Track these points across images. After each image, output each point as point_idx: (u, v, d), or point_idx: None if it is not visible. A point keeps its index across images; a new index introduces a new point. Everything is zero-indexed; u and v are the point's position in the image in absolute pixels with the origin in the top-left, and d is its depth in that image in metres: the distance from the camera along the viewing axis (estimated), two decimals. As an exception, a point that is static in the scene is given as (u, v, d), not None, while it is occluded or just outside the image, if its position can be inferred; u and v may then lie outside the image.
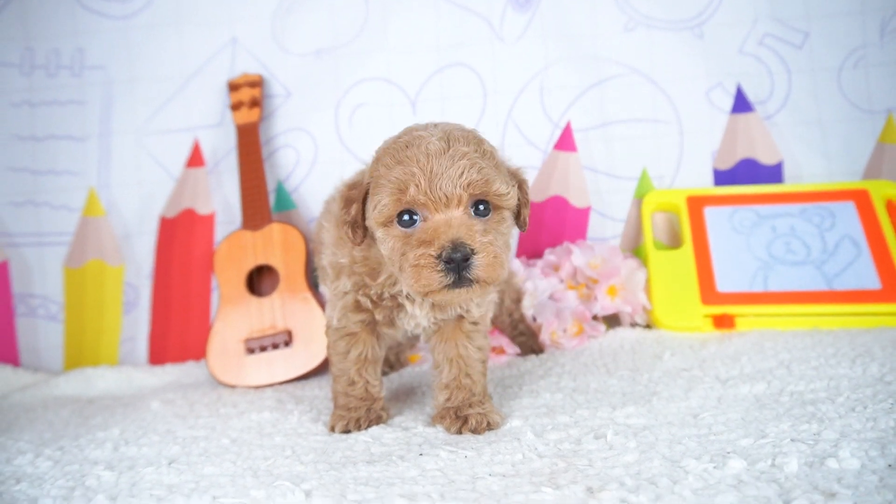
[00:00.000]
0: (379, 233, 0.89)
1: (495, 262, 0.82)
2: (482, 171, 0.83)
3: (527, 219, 0.95)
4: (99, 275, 1.70)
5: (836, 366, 1.06)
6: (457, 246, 0.79)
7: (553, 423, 0.95)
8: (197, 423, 1.12)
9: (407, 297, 0.98)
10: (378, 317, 1.00)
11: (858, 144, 1.60)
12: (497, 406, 1.05)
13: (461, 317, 1.02)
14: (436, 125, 0.90)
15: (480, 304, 1.02)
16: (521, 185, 0.93)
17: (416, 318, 0.99)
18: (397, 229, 0.86)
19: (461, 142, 0.85)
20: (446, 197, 0.82)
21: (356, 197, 0.92)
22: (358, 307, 1.00)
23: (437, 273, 0.80)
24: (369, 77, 1.69)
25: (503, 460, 0.82)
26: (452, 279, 0.80)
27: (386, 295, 0.98)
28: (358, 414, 1.02)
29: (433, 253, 0.80)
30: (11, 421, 1.25)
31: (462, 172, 0.82)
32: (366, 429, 1.00)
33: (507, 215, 0.90)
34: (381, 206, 0.85)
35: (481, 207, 0.85)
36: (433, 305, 0.98)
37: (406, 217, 0.85)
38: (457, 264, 0.80)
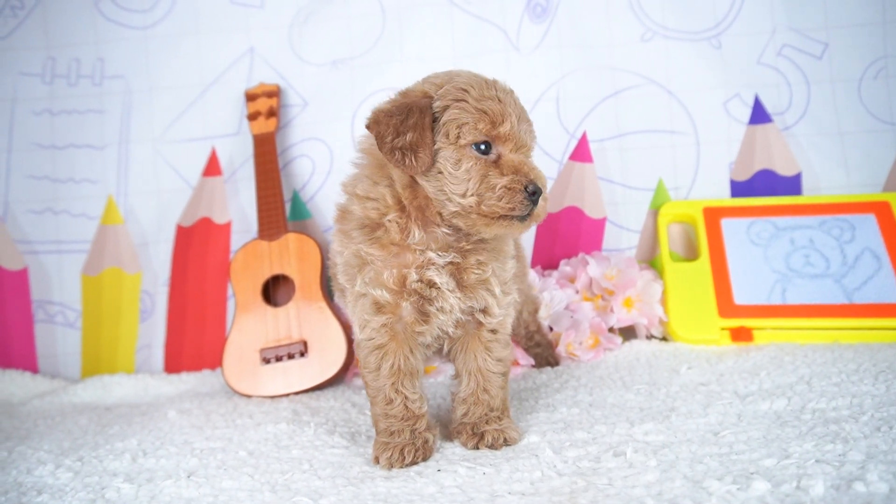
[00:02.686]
0: (454, 155, 0.88)
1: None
2: (533, 132, 0.95)
3: None
4: (116, 282, 1.71)
5: (859, 382, 1.05)
6: (536, 183, 0.89)
7: (571, 440, 0.94)
8: (214, 434, 1.12)
9: (437, 269, 0.93)
10: (407, 309, 0.94)
11: (879, 156, 1.58)
12: (514, 419, 1.04)
13: (480, 323, 0.99)
14: (465, 73, 0.94)
15: (500, 304, 0.98)
16: None
17: (448, 300, 0.94)
18: (473, 152, 0.88)
19: (520, 103, 0.94)
20: (525, 143, 0.92)
21: (416, 125, 0.88)
22: (377, 307, 0.95)
23: (523, 202, 0.88)
24: (386, 87, 1.69)
25: (522, 478, 0.82)
26: (523, 211, 0.88)
27: (414, 279, 0.93)
28: (402, 440, 0.94)
29: (520, 185, 0.88)
30: (30, 428, 1.27)
31: (530, 129, 0.93)
32: (411, 464, 0.92)
33: None
34: (468, 129, 0.88)
35: (529, 146, 0.94)
36: (462, 285, 0.94)
37: (483, 146, 0.89)
38: (534, 197, 0.89)
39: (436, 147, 0.89)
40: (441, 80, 0.92)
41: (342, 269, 0.99)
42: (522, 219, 0.89)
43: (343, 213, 0.99)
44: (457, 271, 0.94)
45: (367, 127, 0.92)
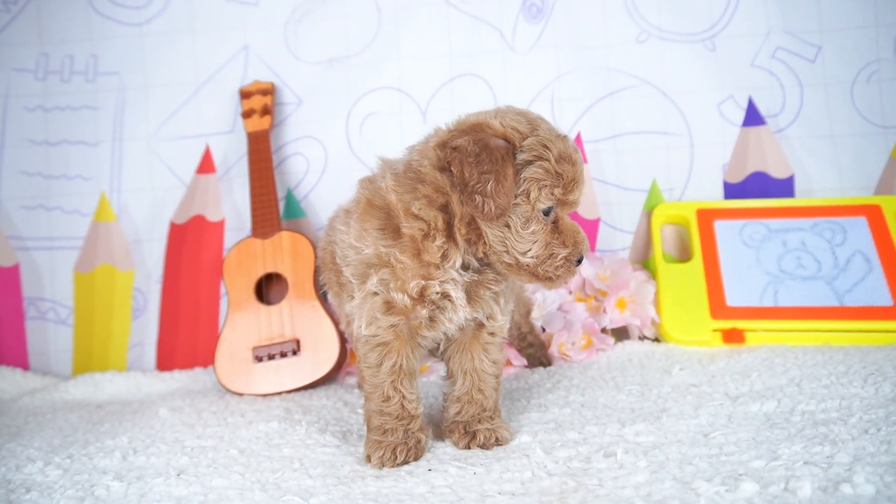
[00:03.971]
0: (526, 213, 0.90)
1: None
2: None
3: None
4: (108, 279, 1.71)
5: (848, 385, 1.05)
6: (584, 254, 0.95)
7: (562, 440, 0.94)
8: (205, 432, 1.12)
9: (454, 284, 0.94)
10: (421, 314, 0.94)
11: (871, 159, 1.59)
12: (505, 419, 1.04)
13: (481, 325, 1.00)
14: (541, 121, 0.93)
15: (503, 312, 1.00)
16: None
17: (459, 311, 0.95)
18: (542, 217, 0.91)
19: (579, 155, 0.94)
20: (576, 204, 0.94)
21: (502, 174, 0.86)
22: (388, 307, 0.94)
23: (572, 270, 0.94)
24: (380, 86, 1.69)
25: (512, 478, 0.82)
26: (573, 272, 0.94)
27: (436, 290, 0.93)
28: (395, 439, 0.94)
29: (573, 257, 0.93)
30: (21, 425, 1.26)
31: (583, 188, 0.95)
32: (403, 463, 0.92)
33: None
34: (546, 193, 0.89)
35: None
36: (471, 299, 0.96)
37: (548, 209, 0.91)
38: (578, 265, 0.95)
39: (508, 201, 0.88)
40: (523, 126, 0.90)
41: (354, 264, 0.97)
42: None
43: (369, 208, 0.95)
44: (471, 287, 0.96)
45: (450, 164, 0.89)
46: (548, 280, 0.92)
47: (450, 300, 0.94)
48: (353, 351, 1.50)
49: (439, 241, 0.92)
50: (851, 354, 1.23)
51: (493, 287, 0.97)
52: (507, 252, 0.91)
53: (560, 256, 0.91)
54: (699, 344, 1.41)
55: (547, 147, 0.89)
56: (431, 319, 0.95)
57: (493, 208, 0.87)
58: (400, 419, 0.95)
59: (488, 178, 0.86)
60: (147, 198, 1.72)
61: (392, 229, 0.93)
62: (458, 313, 0.95)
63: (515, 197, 0.88)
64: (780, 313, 1.41)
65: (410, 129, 1.67)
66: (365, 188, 0.98)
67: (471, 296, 0.95)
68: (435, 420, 1.09)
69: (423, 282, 0.92)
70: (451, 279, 0.93)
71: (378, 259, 0.94)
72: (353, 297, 0.98)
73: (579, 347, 1.41)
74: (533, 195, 0.88)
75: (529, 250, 0.90)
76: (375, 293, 0.94)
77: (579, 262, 0.93)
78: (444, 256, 0.92)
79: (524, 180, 0.88)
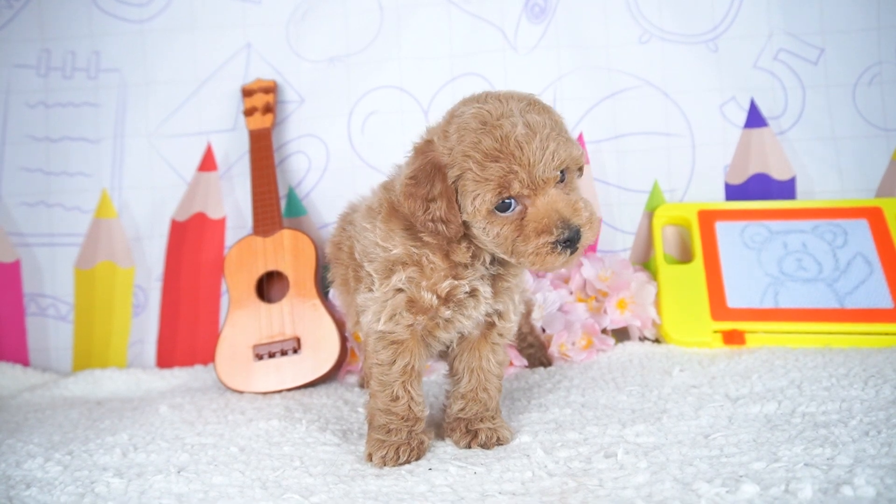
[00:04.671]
0: (480, 224, 0.87)
1: (597, 226, 0.88)
2: (565, 145, 0.86)
3: (584, 168, 0.96)
4: (109, 276, 1.71)
5: (849, 387, 1.05)
6: (570, 227, 0.84)
7: (562, 440, 0.94)
8: (205, 429, 1.12)
9: (481, 279, 0.94)
10: (444, 315, 0.93)
11: (872, 162, 1.59)
12: (506, 419, 1.04)
13: (492, 324, 1.00)
14: (500, 100, 0.87)
15: (515, 311, 1.01)
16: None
17: (481, 307, 0.95)
18: (498, 216, 0.86)
19: (539, 121, 0.85)
20: (543, 182, 0.84)
21: (441, 194, 0.86)
22: (412, 305, 0.93)
23: (559, 256, 0.85)
24: (382, 85, 1.69)
25: (513, 478, 0.82)
26: (568, 253, 0.85)
27: (465, 290, 0.93)
28: (398, 439, 0.93)
29: (552, 241, 0.84)
30: (21, 421, 1.26)
31: (553, 155, 0.84)
32: (405, 463, 0.92)
33: (577, 173, 0.91)
34: (480, 203, 0.85)
35: (560, 174, 0.87)
36: (496, 292, 0.96)
37: (502, 202, 0.85)
38: (572, 241, 0.85)
39: (462, 218, 0.88)
40: (452, 131, 0.87)
41: (379, 261, 0.95)
42: (573, 253, 0.86)
43: (392, 213, 0.95)
44: (494, 280, 0.96)
45: (403, 200, 0.89)
46: (544, 270, 0.89)
47: (475, 297, 0.94)
48: (354, 351, 1.50)
49: (465, 242, 0.92)
50: (852, 357, 1.23)
51: (509, 280, 0.97)
52: (496, 252, 0.91)
53: (528, 254, 0.85)
54: (700, 345, 1.41)
55: (468, 155, 0.84)
56: (448, 321, 0.95)
57: (447, 229, 0.87)
58: (406, 420, 0.95)
59: (433, 202, 0.86)
60: (148, 195, 1.72)
61: (415, 230, 0.93)
62: (481, 308, 0.95)
63: (461, 211, 0.87)
64: (781, 315, 1.41)
65: (412, 127, 1.66)
66: (386, 192, 0.97)
67: (495, 289, 0.96)
68: (436, 420, 1.09)
69: (455, 282, 0.92)
70: (481, 276, 0.94)
71: (409, 258, 0.93)
72: (370, 290, 0.97)
73: (579, 348, 1.41)
74: (469, 207, 0.85)
75: (497, 243, 0.88)
76: (401, 290, 0.93)
77: (570, 241, 0.84)
78: (475, 256, 0.93)
79: (461, 195, 0.86)
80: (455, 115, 0.89)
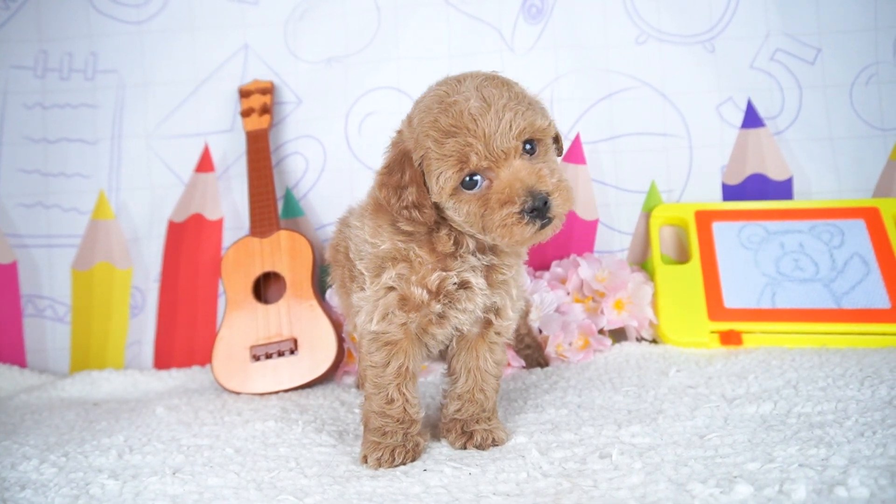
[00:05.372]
0: (449, 204, 0.88)
1: (568, 194, 0.86)
2: (524, 114, 0.85)
3: (562, 143, 0.95)
4: (107, 278, 1.71)
5: (845, 387, 1.05)
6: (534, 195, 0.83)
7: (558, 441, 0.94)
8: (201, 431, 1.12)
9: (473, 270, 0.93)
10: (435, 309, 0.93)
11: (869, 162, 1.59)
12: (502, 420, 1.04)
13: (489, 323, 0.99)
14: (457, 80, 0.89)
15: (514, 308, 0.99)
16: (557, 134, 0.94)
17: (476, 299, 0.94)
18: (465, 194, 0.86)
19: (496, 94, 0.85)
20: (503, 153, 0.84)
21: (411, 180, 0.88)
22: (404, 303, 0.93)
23: (526, 226, 0.84)
24: (380, 86, 1.69)
25: (508, 479, 0.82)
26: (539, 224, 0.84)
27: (453, 281, 0.92)
28: (393, 441, 0.93)
29: (517, 210, 0.83)
30: (17, 423, 1.26)
31: (510, 125, 0.84)
32: (400, 465, 0.91)
33: (549, 143, 0.91)
34: (444, 181, 0.85)
35: (528, 146, 0.87)
36: (490, 284, 0.95)
37: (468, 179, 0.86)
38: (539, 210, 0.83)
39: (433, 200, 0.89)
40: (414, 115, 0.89)
41: (368, 258, 0.96)
42: (541, 230, 0.85)
43: (379, 207, 0.96)
44: (488, 271, 0.95)
45: (379, 191, 0.91)
46: (516, 243, 0.87)
47: (468, 289, 0.93)
48: (351, 352, 1.50)
49: (445, 229, 0.92)
50: (848, 357, 1.23)
51: (504, 272, 0.96)
52: (473, 232, 0.90)
53: (496, 227, 0.84)
54: (696, 345, 1.41)
55: (427, 135, 0.85)
56: (441, 316, 0.94)
57: (420, 215, 0.88)
58: (401, 422, 0.95)
59: (405, 189, 0.88)
60: (146, 196, 1.72)
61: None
62: (477, 301, 0.94)
63: (430, 195, 0.88)
64: (778, 315, 1.41)
65: (409, 128, 1.66)
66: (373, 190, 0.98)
67: (489, 281, 0.95)
68: (431, 421, 1.09)
69: (444, 273, 0.92)
70: (471, 266, 0.93)
71: (396, 253, 0.93)
72: (363, 289, 0.97)
73: (576, 348, 1.41)
74: (435, 188, 0.86)
75: (468, 222, 0.88)
76: (392, 288, 0.93)
77: (538, 210, 0.83)
78: (457, 243, 0.93)
79: (427, 177, 0.87)
80: (417, 101, 0.92)
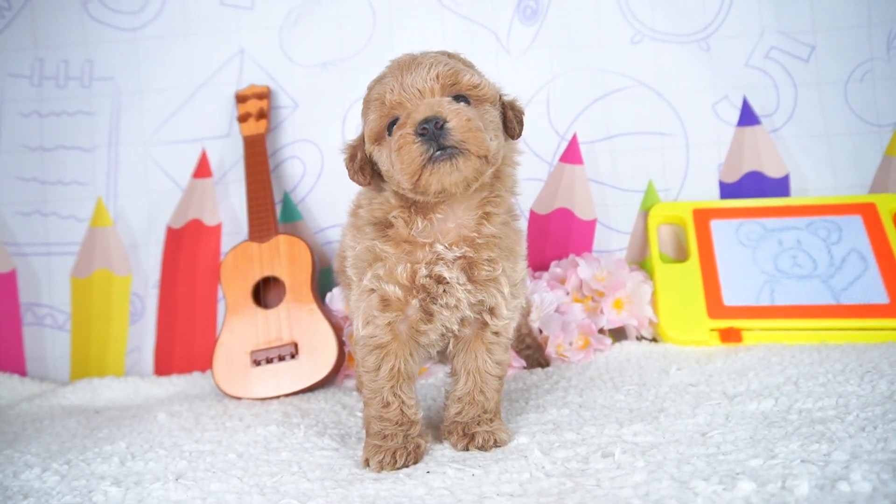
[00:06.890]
0: (376, 153, 0.90)
1: (470, 124, 0.82)
2: (448, 64, 0.87)
3: (515, 125, 0.94)
4: (106, 285, 1.71)
5: (845, 382, 1.06)
6: (428, 118, 0.81)
7: (560, 441, 0.94)
8: (203, 436, 1.12)
9: (446, 264, 0.91)
10: (414, 306, 0.92)
11: (865, 158, 1.60)
12: (504, 421, 1.04)
13: (485, 323, 0.97)
14: (411, 53, 0.93)
15: (508, 306, 0.97)
16: (506, 102, 0.95)
17: (457, 294, 0.92)
18: (387, 140, 0.89)
19: (432, 54, 0.90)
20: (419, 91, 0.85)
21: (359, 143, 0.94)
22: (385, 304, 0.93)
23: (416, 146, 0.82)
24: (376, 89, 1.69)
25: (510, 479, 0.82)
26: (432, 150, 0.82)
27: (422, 275, 0.91)
28: (394, 444, 0.93)
29: (409, 131, 0.82)
30: (18, 432, 1.26)
31: (429, 68, 0.86)
32: (402, 467, 0.91)
33: (489, 108, 0.90)
34: (369, 125, 0.89)
35: (456, 99, 0.87)
36: (473, 280, 0.92)
37: (393, 125, 0.88)
38: (432, 133, 0.81)
39: (367, 151, 0.92)
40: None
41: (352, 263, 0.97)
42: (438, 161, 0.82)
43: (357, 209, 1.00)
44: (468, 266, 0.93)
45: (346, 168, 0.97)
46: (413, 174, 0.84)
47: (444, 283, 0.92)
48: (351, 355, 1.50)
49: (396, 211, 0.92)
50: (848, 352, 1.23)
51: (488, 269, 0.92)
52: (402, 189, 0.89)
53: (394, 151, 0.85)
54: (696, 343, 1.42)
55: (367, 95, 0.92)
56: (426, 311, 0.93)
57: (362, 175, 0.94)
58: (399, 424, 0.95)
59: (358, 157, 0.94)
60: (143, 202, 1.72)
61: (382, 224, 0.95)
62: (457, 294, 0.92)
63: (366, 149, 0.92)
64: (777, 312, 1.42)
65: (406, 131, 1.67)
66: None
67: (470, 276, 0.93)
68: (434, 422, 1.09)
69: (410, 265, 0.92)
70: (441, 259, 0.91)
71: (371, 254, 0.94)
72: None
73: (576, 348, 1.42)
74: (367, 133, 0.90)
75: (392, 168, 0.87)
76: (371, 289, 0.94)
77: (428, 131, 0.81)
78: (410, 224, 0.92)
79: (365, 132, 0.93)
80: None
